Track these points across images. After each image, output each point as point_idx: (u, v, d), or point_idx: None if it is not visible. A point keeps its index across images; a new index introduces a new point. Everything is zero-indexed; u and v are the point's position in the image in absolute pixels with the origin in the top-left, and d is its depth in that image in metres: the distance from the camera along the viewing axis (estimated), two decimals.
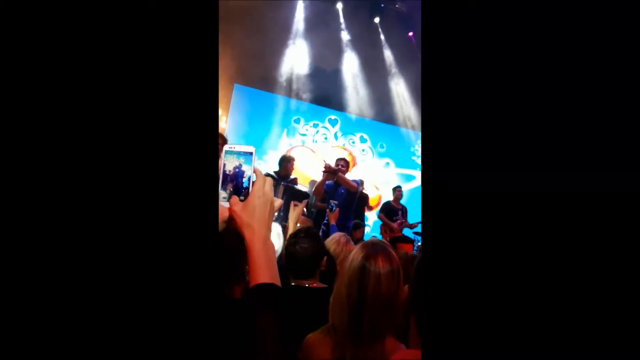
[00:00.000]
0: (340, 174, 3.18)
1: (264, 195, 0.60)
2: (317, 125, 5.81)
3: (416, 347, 0.70)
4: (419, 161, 6.10)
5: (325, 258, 1.31)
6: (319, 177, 5.34)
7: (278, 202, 0.63)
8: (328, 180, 3.25)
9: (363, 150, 5.98)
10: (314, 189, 3.34)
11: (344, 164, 3.35)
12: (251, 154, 0.61)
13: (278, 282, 0.56)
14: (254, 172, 0.61)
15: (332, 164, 3.25)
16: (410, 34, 5.96)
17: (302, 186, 4.43)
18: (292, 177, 3.47)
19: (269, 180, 0.62)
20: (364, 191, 3.85)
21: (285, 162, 3.43)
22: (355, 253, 0.92)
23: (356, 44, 5.71)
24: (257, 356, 0.52)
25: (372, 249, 0.93)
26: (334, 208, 2.52)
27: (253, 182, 0.60)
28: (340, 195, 3.19)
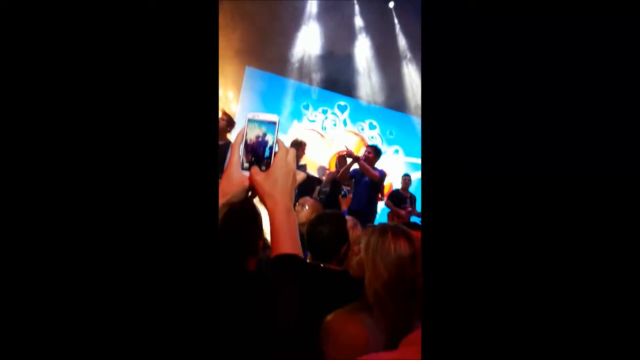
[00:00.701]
0: (362, 161, 3.18)
1: (286, 165, 0.58)
2: (327, 111, 5.76)
3: None
4: None
5: (346, 245, 1.30)
6: (326, 162, 5.35)
7: (301, 175, 0.61)
8: (353, 166, 3.25)
9: (372, 137, 5.92)
10: (340, 173, 3.34)
11: (371, 151, 3.32)
12: (275, 123, 0.60)
13: (300, 253, 0.55)
14: (277, 142, 0.59)
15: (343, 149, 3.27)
16: None
17: (311, 172, 4.44)
18: (301, 163, 3.47)
19: (292, 150, 0.60)
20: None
21: (296, 147, 3.43)
22: (390, 237, 0.94)
23: (369, 29, 5.59)
24: (277, 326, 0.52)
25: (405, 232, 0.96)
26: (347, 194, 2.53)
27: (275, 153, 0.59)
28: (365, 183, 3.19)
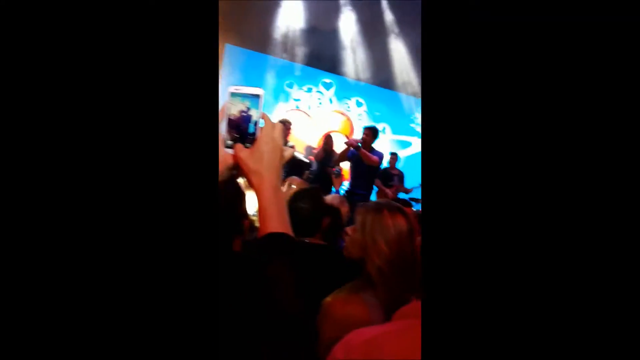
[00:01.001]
0: (362, 150, 3.19)
1: (272, 141, 0.55)
2: (311, 89, 5.64)
3: None
4: (418, 128, 6.02)
5: (328, 219, 1.33)
6: (314, 142, 5.29)
7: (289, 151, 0.58)
8: (351, 149, 3.25)
9: (359, 115, 5.87)
10: (337, 156, 3.33)
11: (368, 133, 3.33)
12: (259, 96, 0.56)
13: (290, 231, 0.53)
14: (262, 117, 0.56)
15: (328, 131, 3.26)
16: None
17: (299, 154, 4.39)
18: (289, 143, 3.43)
19: (279, 125, 0.57)
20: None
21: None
22: (387, 214, 0.95)
23: (355, 3, 5.42)
24: (271, 309, 0.50)
25: (400, 207, 0.98)
26: (339, 173, 2.53)
27: (261, 128, 0.56)
28: (364, 165, 3.19)
